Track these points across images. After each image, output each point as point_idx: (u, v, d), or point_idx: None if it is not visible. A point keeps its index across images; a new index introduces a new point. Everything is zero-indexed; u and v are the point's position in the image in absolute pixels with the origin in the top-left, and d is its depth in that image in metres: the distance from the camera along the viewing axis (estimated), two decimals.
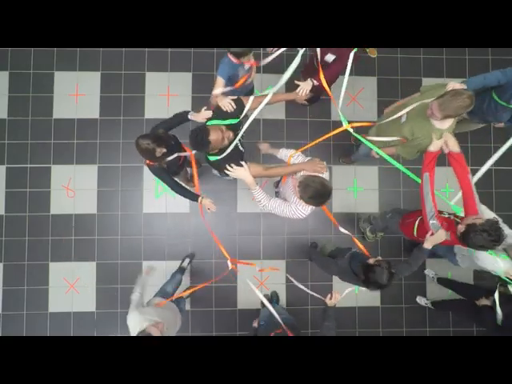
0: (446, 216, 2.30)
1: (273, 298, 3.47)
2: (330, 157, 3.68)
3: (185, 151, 2.52)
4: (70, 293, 3.51)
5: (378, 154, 2.43)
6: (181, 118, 2.29)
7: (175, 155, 2.36)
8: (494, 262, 2.23)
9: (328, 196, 1.94)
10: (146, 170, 3.29)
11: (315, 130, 3.62)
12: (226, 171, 2.11)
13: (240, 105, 2.16)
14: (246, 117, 2.19)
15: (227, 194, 3.60)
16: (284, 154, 2.29)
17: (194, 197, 2.43)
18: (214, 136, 1.97)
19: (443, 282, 3.46)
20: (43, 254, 3.52)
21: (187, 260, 3.45)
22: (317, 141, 2.36)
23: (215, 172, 3.51)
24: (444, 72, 3.80)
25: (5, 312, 3.49)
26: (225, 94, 2.34)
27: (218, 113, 2.17)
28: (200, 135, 1.98)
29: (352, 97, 3.74)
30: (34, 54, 3.64)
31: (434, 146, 2.11)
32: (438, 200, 2.13)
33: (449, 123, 2.17)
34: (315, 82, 2.35)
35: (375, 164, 3.61)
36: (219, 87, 2.32)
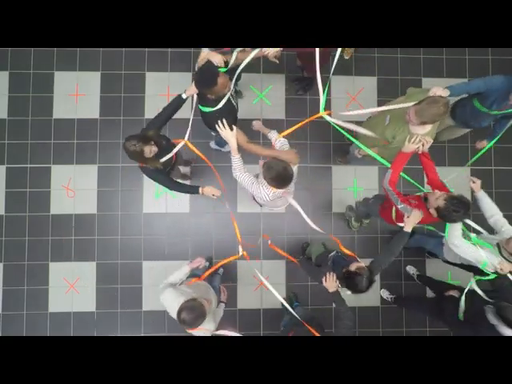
0: (415, 195, 2.39)
1: (292, 300, 3.44)
2: (330, 157, 3.69)
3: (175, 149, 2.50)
4: (70, 293, 3.52)
5: (361, 152, 2.54)
6: (175, 104, 2.29)
7: (169, 156, 2.36)
8: (475, 253, 2.21)
9: (288, 180, 2.05)
10: None
11: (315, 129, 3.63)
12: (217, 127, 2.18)
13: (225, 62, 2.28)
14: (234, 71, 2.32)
15: (227, 194, 3.60)
16: (273, 136, 2.39)
17: (193, 189, 2.43)
18: (221, 79, 2.08)
19: (423, 279, 3.47)
20: (43, 254, 3.52)
21: (207, 264, 3.43)
22: (295, 127, 2.31)
23: (212, 144, 3.49)
24: (444, 72, 3.80)
25: (5, 312, 3.49)
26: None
27: None
28: (210, 73, 2.09)
29: (352, 97, 3.74)
30: (34, 54, 3.63)
31: (409, 148, 2.17)
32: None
33: (427, 129, 2.21)
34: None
35: (375, 164, 3.61)
36: (203, 53, 2.36)
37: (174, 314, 2.00)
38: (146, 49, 3.66)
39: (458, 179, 2.59)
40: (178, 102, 2.28)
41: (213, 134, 3.30)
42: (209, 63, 2.20)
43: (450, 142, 3.57)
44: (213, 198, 2.46)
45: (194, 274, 2.52)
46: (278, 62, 2.41)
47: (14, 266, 3.51)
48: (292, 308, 2.83)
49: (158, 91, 3.65)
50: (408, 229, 2.21)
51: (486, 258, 2.17)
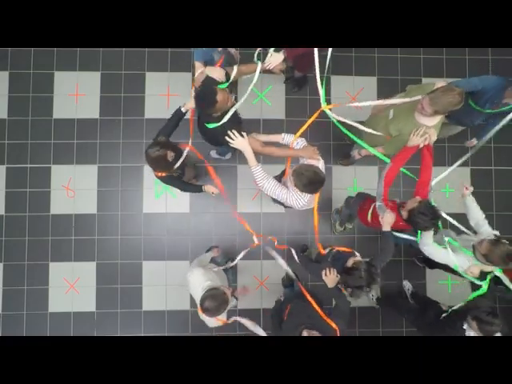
0: (392, 200, 2.44)
1: (286, 285, 3.40)
2: (330, 157, 3.68)
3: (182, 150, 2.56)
4: (70, 293, 3.51)
5: (362, 152, 2.55)
6: (176, 117, 2.33)
7: (181, 160, 2.41)
8: (446, 256, 2.26)
9: (321, 183, 2.05)
10: (146, 170, 3.27)
11: (315, 130, 3.61)
12: (227, 138, 2.11)
13: (226, 74, 2.27)
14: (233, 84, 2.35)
15: (227, 193, 3.60)
16: (287, 139, 2.35)
17: (199, 189, 2.59)
18: (220, 96, 2.02)
19: (415, 297, 3.39)
20: (43, 254, 3.52)
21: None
22: (305, 126, 2.28)
23: (213, 153, 3.47)
24: (444, 72, 3.80)
25: (5, 312, 3.49)
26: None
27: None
28: (208, 94, 2.02)
29: (352, 97, 3.74)
30: (33, 53, 3.63)
31: (414, 141, 2.18)
32: None
33: (436, 120, 2.21)
34: (285, 54, 2.36)
35: (375, 164, 3.61)
36: (200, 69, 2.41)
37: (194, 294, 2.18)
38: (146, 49, 3.66)
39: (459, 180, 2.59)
40: (178, 116, 2.32)
41: (221, 155, 3.37)
42: (206, 80, 2.15)
43: (450, 142, 3.57)
44: (212, 196, 2.63)
45: (216, 262, 2.80)
46: (283, 74, 2.40)
47: (14, 266, 3.51)
48: (292, 286, 2.85)
49: (158, 91, 3.64)
50: (387, 228, 2.28)
51: (457, 262, 2.24)
